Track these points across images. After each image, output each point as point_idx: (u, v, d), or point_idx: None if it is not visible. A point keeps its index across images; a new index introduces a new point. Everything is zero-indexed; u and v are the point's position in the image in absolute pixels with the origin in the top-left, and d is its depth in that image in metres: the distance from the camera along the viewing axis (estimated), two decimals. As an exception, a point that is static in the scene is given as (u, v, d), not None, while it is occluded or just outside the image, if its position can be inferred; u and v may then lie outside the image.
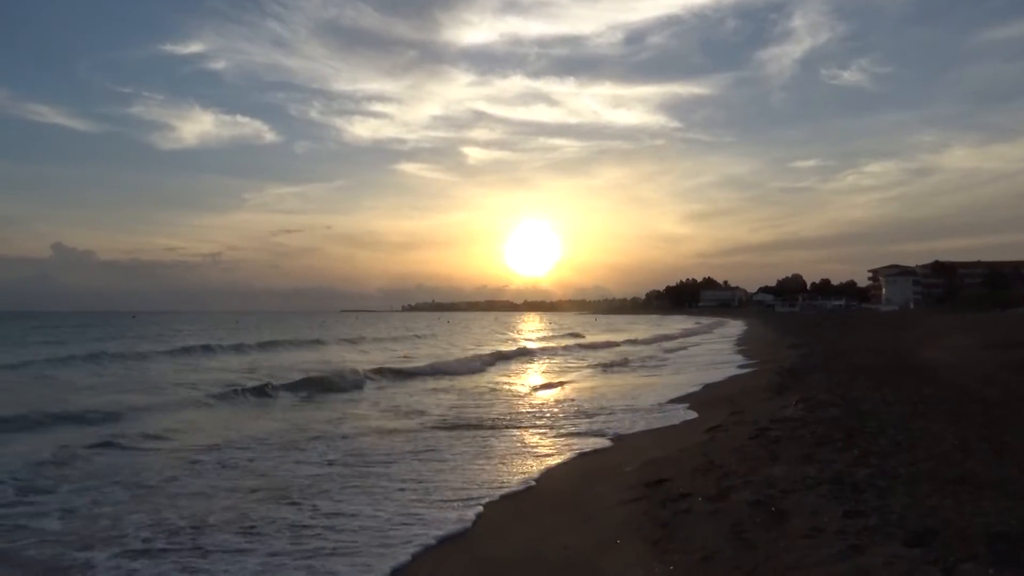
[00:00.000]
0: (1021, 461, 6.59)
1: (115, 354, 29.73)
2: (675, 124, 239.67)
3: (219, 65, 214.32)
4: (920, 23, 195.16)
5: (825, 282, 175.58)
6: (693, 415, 12.79)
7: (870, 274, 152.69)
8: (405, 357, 30.62)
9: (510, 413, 14.32)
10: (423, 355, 32.02)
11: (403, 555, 5.96)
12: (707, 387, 17.51)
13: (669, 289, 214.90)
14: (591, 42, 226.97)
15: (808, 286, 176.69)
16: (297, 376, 20.33)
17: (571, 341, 44.41)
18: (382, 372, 22.38)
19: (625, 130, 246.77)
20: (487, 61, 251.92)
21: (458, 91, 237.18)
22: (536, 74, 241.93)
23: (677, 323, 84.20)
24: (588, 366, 27.11)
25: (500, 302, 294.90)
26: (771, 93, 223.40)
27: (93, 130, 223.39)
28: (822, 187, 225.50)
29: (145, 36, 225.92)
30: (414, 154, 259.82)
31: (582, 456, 9.86)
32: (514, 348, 37.64)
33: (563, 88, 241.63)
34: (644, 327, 70.86)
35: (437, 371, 24.15)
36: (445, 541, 6.35)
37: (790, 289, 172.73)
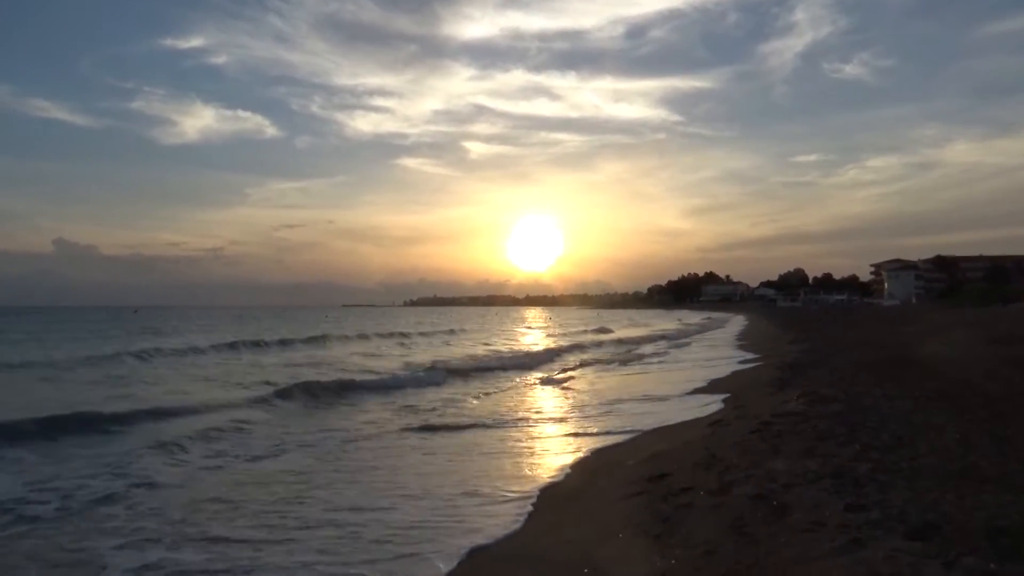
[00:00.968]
0: (1022, 455, 6.58)
1: (168, 350, 29.49)
2: (676, 118, 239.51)
3: (220, 60, 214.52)
4: (922, 17, 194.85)
5: (827, 276, 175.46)
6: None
7: (872, 268, 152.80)
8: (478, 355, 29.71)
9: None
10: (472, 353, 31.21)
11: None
12: (712, 382, 17.51)
13: (671, 284, 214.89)
14: (592, 36, 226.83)
15: (810, 280, 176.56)
16: (378, 373, 20.88)
17: (605, 336, 44.82)
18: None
19: (626, 124, 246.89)
20: (488, 55, 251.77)
21: (459, 85, 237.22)
22: (537, 68, 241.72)
23: (681, 317, 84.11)
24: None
25: (502, 297, 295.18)
26: (772, 87, 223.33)
27: (95, 125, 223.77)
28: (824, 181, 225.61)
29: (146, 31, 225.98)
30: (415, 149, 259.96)
31: (584, 451, 9.88)
32: (565, 344, 37.21)
33: (564, 82, 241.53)
34: (660, 322, 70.59)
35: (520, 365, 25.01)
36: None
37: (792, 284, 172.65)
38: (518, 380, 20.61)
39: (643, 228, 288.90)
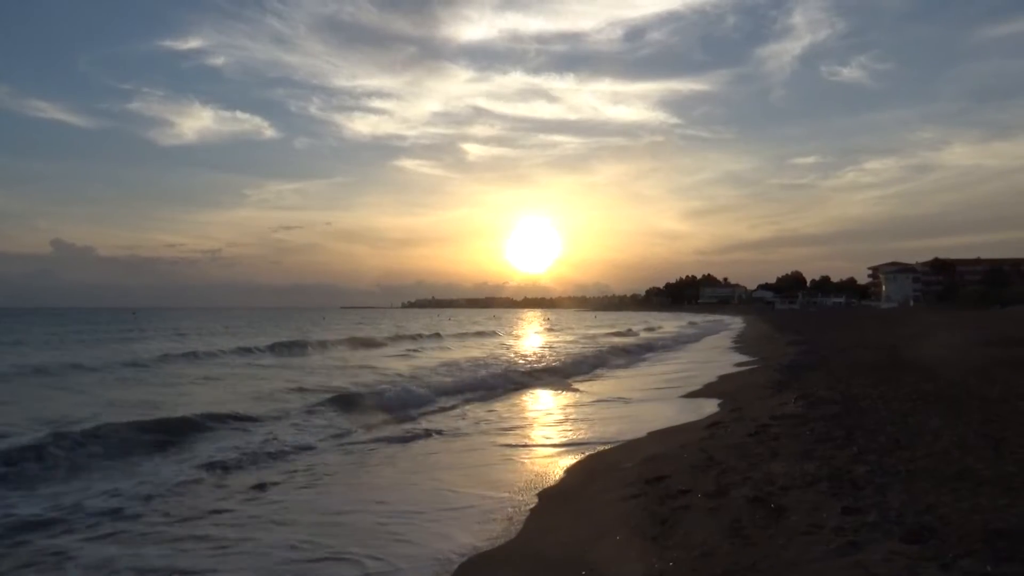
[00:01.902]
0: (1019, 458, 6.59)
1: (207, 352, 29.08)
2: (674, 120, 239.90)
3: (219, 61, 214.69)
4: (920, 19, 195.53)
5: (825, 279, 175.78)
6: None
7: (870, 271, 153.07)
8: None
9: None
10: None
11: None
12: (709, 385, 17.51)
13: (669, 286, 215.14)
14: (591, 38, 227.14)
15: (808, 283, 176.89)
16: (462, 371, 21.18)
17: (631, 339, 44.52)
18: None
19: (624, 126, 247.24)
20: (486, 57, 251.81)
21: (457, 87, 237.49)
22: (536, 70, 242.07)
23: (678, 319, 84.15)
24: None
25: (500, 299, 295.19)
26: (771, 90, 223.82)
27: (93, 126, 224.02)
28: (822, 184, 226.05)
29: (145, 32, 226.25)
30: (413, 150, 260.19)
31: (582, 453, 9.88)
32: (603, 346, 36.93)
33: (563, 84, 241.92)
34: (662, 324, 70.57)
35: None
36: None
37: (790, 286, 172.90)
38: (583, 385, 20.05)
39: (641, 230, 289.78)
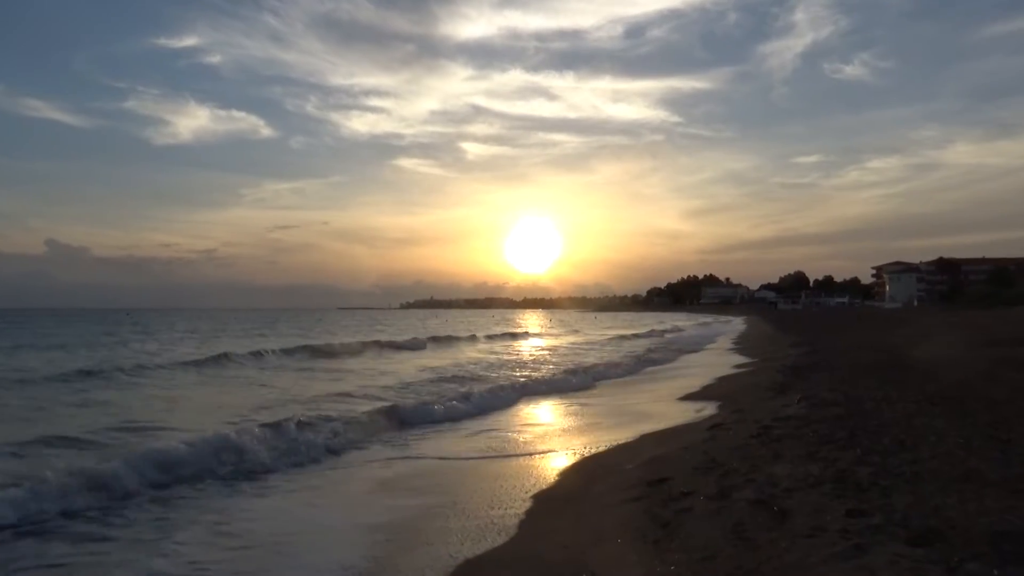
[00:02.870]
0: (1026, 460, 6.58)
1: (319, 347, 30.76)
2: (675, 119, 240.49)
3: (215, 59, 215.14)
4: (923, 17, 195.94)
5: (828, 279, 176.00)
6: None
7: (874, 271, 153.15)
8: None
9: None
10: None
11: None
12: (706, 386, 17.51)
13: (670, 286, 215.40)
14: (591, 36, 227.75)
15: (811, 283, 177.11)
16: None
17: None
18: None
19: (625, 125, 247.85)
20: (485, 55, 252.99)
21: (456, 85, 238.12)
22: (535, 68, 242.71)
23: (679, 320, 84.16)
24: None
25: (500, 299, 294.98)
26: (772, 88, 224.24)
27: (87, 125, 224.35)
28: (824, 183, 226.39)
29: (140, 30, 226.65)
30: (411, 149, 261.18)
31: (582, 454, 9.88)
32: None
33: (562, 82, 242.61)
34: (661, 325, 70.72)
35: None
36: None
37: (792, 286, 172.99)
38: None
39: (642, 230, 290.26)
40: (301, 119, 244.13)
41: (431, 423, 12.80)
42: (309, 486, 8.45)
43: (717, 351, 32.41)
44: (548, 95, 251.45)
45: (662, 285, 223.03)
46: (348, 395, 16.23)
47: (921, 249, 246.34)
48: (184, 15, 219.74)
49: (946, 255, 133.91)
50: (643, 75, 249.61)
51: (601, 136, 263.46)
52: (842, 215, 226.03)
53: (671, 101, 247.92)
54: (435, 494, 7.98)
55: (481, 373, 22.04)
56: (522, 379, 20.12)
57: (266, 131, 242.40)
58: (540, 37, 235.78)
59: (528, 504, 7.45)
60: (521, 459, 9.91)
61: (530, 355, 31.16)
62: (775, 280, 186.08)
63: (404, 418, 12.81)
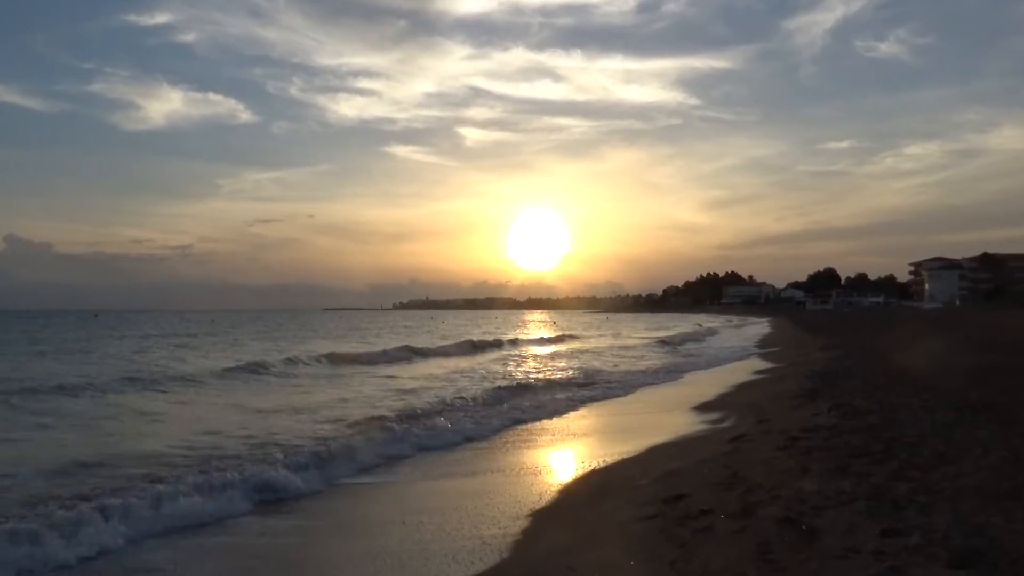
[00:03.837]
0: (1079, 474, 6.57)
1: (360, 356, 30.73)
2: (693, 101, 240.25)
3: (189, 38, 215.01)
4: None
5: (861, 276, 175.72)
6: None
7: (911, 268, 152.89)
8: None
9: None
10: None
11: None
12: (728, 393, 17.52)
13: (688, 284, 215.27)
14: (600, 11, 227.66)
15: (842, 281, 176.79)
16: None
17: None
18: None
19: (638, 108, 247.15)
20: (485, 32, 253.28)
21: (453, 66, 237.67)
22: (539, 46, 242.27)
23: (699, 322, 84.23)
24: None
25: (502, 299, 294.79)
26: (800, 67, 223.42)
27: (51, 110, 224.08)
28: (857, 171, 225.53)
29: (107, 6, 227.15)
30: (405, 135, 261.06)
31: (592, 468, 9.90)
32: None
33: (569, 62, 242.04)
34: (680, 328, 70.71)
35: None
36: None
37: (822, 284, 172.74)
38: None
39: (657, 223, 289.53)
40: (284, 103, 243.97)
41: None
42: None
43: (739, 355, 32.43)
44: (554, 76, 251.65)
45: (679, 283, 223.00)
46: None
47: (963, 244, 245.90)
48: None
49: (991, 250, 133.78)
50: (657, 53, 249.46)
51: (612, 120, 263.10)
52: (876, 206, 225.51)
53: (688, 82, 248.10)
54: (421, 513, 8.00)
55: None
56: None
57: (245, 116, 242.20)
58: (545, 12, 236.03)
59: (528, 523, 7.46)
60: (516, 474, 9.92)
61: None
62: (803, 278, 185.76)
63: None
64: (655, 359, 31.51)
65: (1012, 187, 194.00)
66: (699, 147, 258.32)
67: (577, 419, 15.02)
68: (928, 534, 5.24)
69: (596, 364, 28.31)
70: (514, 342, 46.93)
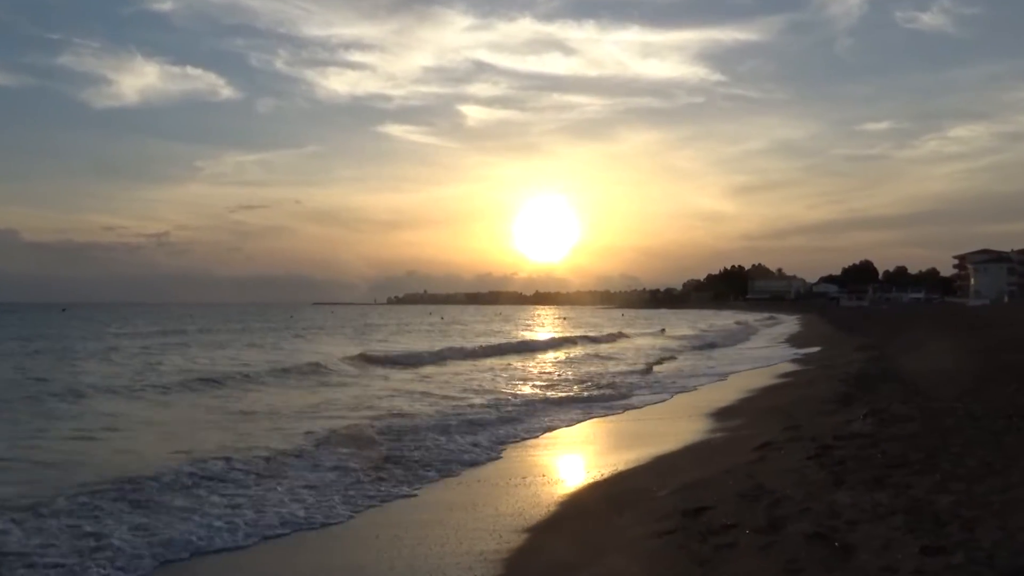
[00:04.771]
0: None
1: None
2: (717, 77, 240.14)
3: (165, 6, 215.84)
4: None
5: (901, 270, 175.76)
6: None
7: (956, 261, 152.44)
8: None
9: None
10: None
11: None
12: (753, 397, 17.53)
13: (710, 278, 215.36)
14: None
15: (880, 275, 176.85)
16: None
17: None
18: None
19: (656, 85, 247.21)
20: (489, 1, 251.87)
21: (454, 37, 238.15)
22: (548, 16, 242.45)
23: (722, 320, 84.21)
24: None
25: (507, 293, 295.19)
26: (834, 40, 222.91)
27: (14, 84, 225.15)
28: (897, 155, 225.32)
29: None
30: (401, 114, 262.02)
31: (605, 478, 9.92)
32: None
33: (581, 33, 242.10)
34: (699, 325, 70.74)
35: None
36: None
37: (858, 279, 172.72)
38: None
39: (677, 211, 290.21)
40: (269, 77, 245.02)
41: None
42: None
43: (765, 355, 32.48)
44: (564, 48, 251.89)
45: (700, 277, 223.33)
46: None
47: (1013, 235, 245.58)
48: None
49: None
50: (678, 24, 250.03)
51: (627, 98, 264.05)
52: (918, 193, 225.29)
53: (712, 56, 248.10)
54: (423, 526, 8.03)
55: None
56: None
57: (227, 92, 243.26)
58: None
59: (529, 537, 7.49)
60: (514, 485, 9.95)
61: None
62: (837, 272, 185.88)
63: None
64: (684, 360, 32.00)
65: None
66: (723, 128, 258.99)
67: (590, 426, 15.04)
68: (973, 552, 5.24)
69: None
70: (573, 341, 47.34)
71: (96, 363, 28.89)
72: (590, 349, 40.07)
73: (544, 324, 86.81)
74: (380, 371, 26.76)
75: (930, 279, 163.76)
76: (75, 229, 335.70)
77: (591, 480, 10.04)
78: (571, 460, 12.20)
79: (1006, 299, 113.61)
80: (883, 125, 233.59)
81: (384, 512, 8.64)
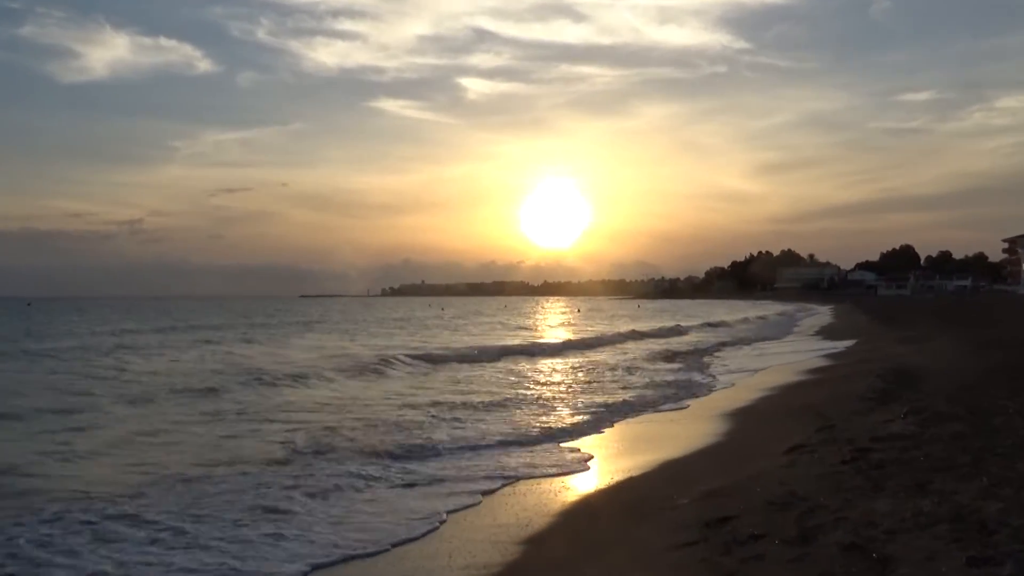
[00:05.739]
0: None
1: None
2: (741, 44, 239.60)
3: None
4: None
5: (945, 255, 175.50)
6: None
7: (1005, 244, 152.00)
8: None
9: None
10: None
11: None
12: (780, 394, 17.53)
13: (735, 265, 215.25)
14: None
15: (922, 261, 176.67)
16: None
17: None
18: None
19: (675, 53, 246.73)
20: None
21: (452, 3, 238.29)
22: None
23: (747, 311, 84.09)
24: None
25: (513, 283, 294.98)
26: (870, 3, 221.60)
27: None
28: (939, 128, 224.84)
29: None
30: (395, 87, 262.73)
31: (621, 484, 9.94)
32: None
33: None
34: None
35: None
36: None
37: (898, 265, 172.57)
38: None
39: (698, 191, 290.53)
40: (251, 49, 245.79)
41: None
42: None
43: (796, 348, 32.48)
44: (573, 14, 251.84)
45: (724, 264, 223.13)
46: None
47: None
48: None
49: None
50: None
51: (643, 68, 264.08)
52: (963, 170, 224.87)
53: (735, 21, 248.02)
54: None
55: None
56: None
57: (204, 65, 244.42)
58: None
59: (536, 549, 7.51)
60: (524, 485, 9.98)
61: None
62: (874, 257, 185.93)
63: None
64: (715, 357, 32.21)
65: None
66: (748, 100, 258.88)
67: (610, 428, 15.08)
68: (1023, 563, 5.23)
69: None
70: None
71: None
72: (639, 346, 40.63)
73: (561, 320, 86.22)
74: (446, 370, 27.07)
75: (977, 265, 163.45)
76: (39, 216, 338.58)
77: (601, 487, 10.07)
78: (571, 462, 12.20)
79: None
80: (924, 96, 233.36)
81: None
